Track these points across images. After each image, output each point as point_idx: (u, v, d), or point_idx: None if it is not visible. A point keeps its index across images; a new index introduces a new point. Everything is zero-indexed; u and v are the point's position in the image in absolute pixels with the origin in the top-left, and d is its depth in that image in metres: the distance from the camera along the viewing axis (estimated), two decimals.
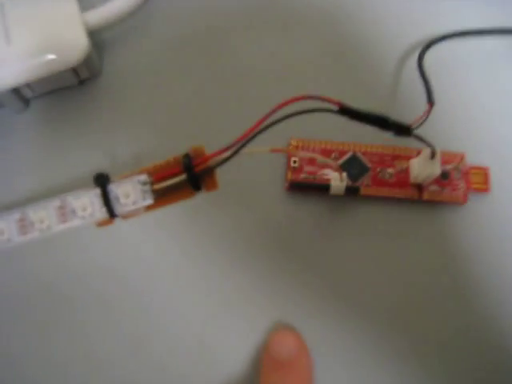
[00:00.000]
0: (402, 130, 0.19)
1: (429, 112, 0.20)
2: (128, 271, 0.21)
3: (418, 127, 0.19)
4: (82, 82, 0.24)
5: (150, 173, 0.18)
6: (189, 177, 0.17)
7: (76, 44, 0.22)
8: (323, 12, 0.25)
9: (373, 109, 0.23)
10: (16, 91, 0.22)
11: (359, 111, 0.18)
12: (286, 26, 0.24)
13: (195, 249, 0.21)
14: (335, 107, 0.18)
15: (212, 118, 0.23)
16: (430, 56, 0.23)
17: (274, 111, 0.17)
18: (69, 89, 0.23)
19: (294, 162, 0.21)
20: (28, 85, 0.22)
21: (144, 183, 0.18)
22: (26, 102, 0.23)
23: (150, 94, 0.23)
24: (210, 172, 0.17)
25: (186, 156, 0.17)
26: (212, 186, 0.17)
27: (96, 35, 0.24)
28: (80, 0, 0.23)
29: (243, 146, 0.17)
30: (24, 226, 0.18)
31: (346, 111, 0.18)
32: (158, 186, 0.17)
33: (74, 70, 0.22)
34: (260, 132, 0.17)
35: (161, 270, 0.21)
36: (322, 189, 0.21)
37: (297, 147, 0.22)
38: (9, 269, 0.21)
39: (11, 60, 0.21)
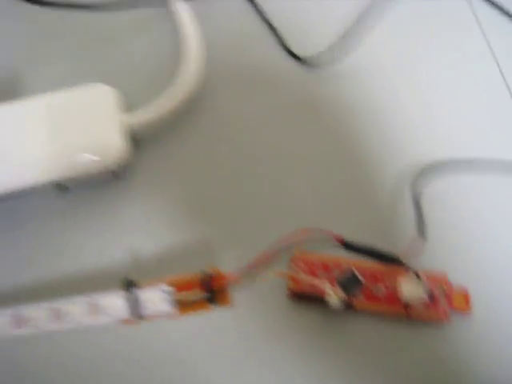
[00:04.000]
0: (395, 261, 0.22)
1: (421, 247, 0.23)
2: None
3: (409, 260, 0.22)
4: (117, 177, 0.26)
5: (173, 284, 0.20)
6: (207, 294, 0.20)
7: (115, 148, 0.24)
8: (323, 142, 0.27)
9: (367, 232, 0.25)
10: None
11: (361, 248, 0.21)
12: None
13: (208, 358, 0.22)
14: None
15: (237, 229, 0.24)
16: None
17: (278, 244, 0.19)
18: (104, 182, 0.26)
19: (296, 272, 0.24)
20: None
21: (167, 293, 0.20)
22: (64, 189, 0.26)
23: (183, 195, 0.25)
24: (224, 290, 0.20)
25: (207, 275, 0.20)
26: (226, 302, 0.20)
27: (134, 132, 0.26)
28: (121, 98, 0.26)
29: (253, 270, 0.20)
30: (55, 316, 0.21)
31: (349, 246, 0.21)
32: (179, 297, 0.20)
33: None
34: (267, 262, 0.20)
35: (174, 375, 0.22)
36: (321, 300, 0.24)
37: (299, 259, 0.24)
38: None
39: (50, 158, 0.23)
